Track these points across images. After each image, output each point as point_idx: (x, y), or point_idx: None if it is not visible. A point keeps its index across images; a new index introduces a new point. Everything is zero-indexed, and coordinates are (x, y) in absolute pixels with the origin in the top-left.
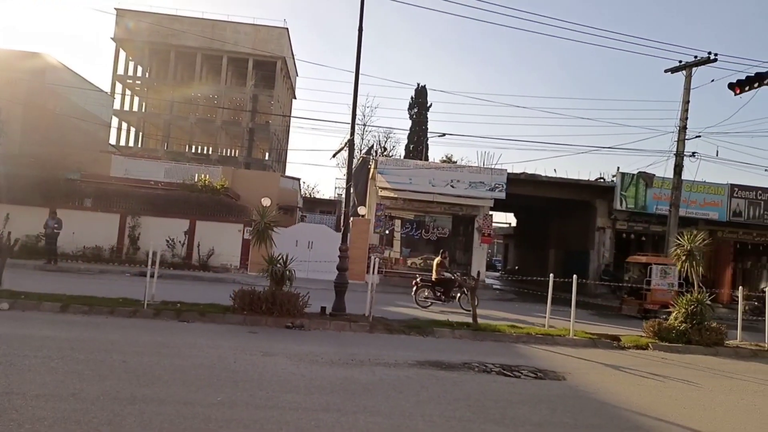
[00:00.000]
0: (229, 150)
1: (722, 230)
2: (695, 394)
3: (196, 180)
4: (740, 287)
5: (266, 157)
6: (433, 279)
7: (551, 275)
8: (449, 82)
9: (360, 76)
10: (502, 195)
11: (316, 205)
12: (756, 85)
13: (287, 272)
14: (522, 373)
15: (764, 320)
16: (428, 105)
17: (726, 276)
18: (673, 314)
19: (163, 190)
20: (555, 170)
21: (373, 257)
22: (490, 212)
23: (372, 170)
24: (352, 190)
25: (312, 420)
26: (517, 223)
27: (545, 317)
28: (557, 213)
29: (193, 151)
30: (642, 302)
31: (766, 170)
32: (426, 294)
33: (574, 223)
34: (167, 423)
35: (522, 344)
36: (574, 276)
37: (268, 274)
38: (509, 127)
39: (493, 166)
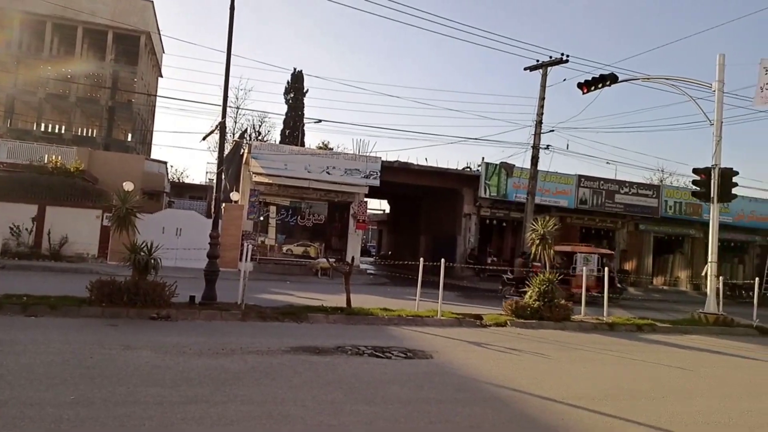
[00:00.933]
0: (85, 130)
1: (571, 216)
2: (545, 365)
3: (46, 161)
4: (584, 268)
5: (129, 139)
6: None
7: (421, 259)
8: (326, 68)
9: (232, 56)
10: (377, 182)
11: (185, 191)
12: (600, 85)
13: (152, 261)
14: (393, 354)
15: (602, 296)
16: (305, 90)
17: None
18: (528, 293)
19: (6, 172)
20: (426, 159)
21: (246, 244)
22: (365, 199)
23: (246, 155)
24: (223, 175)
25: (178, 413)
26: (391, 210)
27: (415, 300)
28: (428, 200)
29: (43, 129)
30: (569, 287)
31: (607, 162)
32: None
33: (443, 209)
34: (8, 427)
35: (393, 326)
36: (442, 260)
37: (130, 263)
38: (384, 115)
39: (368, 154)
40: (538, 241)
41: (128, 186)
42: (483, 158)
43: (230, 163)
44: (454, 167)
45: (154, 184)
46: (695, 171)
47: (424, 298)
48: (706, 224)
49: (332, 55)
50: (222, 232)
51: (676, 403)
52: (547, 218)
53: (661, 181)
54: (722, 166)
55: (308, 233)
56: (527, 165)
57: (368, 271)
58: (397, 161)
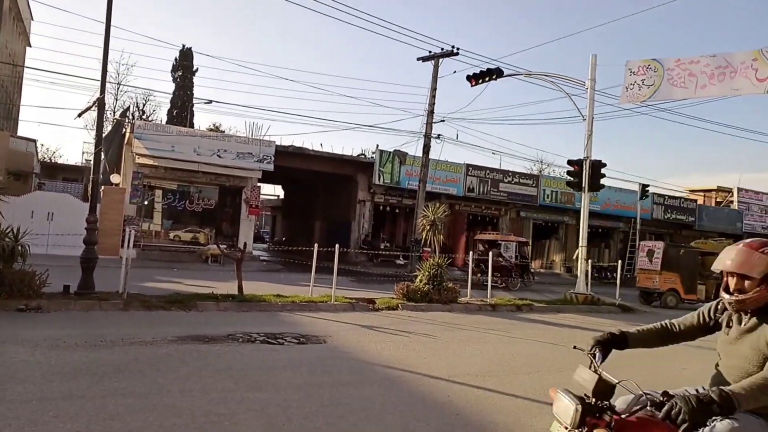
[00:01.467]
0: None
1: (459, 204)
2: (434, 345)
3: None
4: (471, 252)
5: None
6: None
7: (316, 245)
8: (219, 47)
9: (112, 27)
10: (270, 167)
11: (58, 172)
12: (487, 78)
13: (19, 247)
14: (285, 340)
15: (487, 280)
16: (194, 69)
17: (461, 243)
18: (419, 277)
19: None
20: (321, 145)
21: (128, 230)
22: (259, 184)
23: (128, 135)
24: (102, 156)
25: (50, 411)
26: (285, 195)
27: (310, 286)
28: (323, 186)
29: None
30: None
31: (493, 153)
32: None
33: (338, 195)
34: None
35: (287, 312)
36: (336, 246)
37: None
38: (279, 99)
39: (261, 138)
40: (428, 227)
41: None
42: (377, 146)
43: (110, 143)
44: (349, 154)
45: (21, 164)
46: (569, 162)
47: (318, 283)
48: (578, 212)
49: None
50: (101, 217)
51: (550, 376)
52: (438, 205)
53: (540, 171)
54: (593, 158)
55: (197, 219)
56: (420, 153)
57: (262, 258)
58: (291, 146)
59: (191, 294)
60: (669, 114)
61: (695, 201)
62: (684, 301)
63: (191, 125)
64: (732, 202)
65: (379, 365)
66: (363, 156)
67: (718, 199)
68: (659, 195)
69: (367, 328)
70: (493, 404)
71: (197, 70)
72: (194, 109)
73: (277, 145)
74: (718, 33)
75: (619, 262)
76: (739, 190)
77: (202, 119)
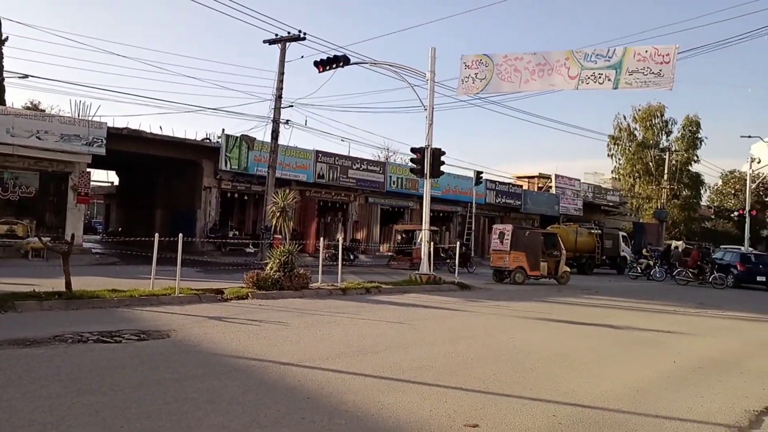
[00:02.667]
0: None
1: (310, 190)
2: (285, 332)
3: None
4: (322, 238)
5: None
6: None
7: (156, 235)
8: (34, 15)
9: None
10: (102, 150)
11: None
12: (334, 65)
13: None
14: (124, 338)
15: (338, 265)
16: (3, 38)
17: (312, 229)
18: (269, 265)
19: None
20: (161, 128)
21: None
22: (88, 169)
23: None
24: None
25: None
26: (120, 182)
27: (150, 278)
28: (164, 172)
29: None
30: (411, 258)
31: (342, 140)
32: None
33: (181, 182)
34: None
35: (125, 308)
36: (180, 235)
37: None
38: (110, 77)
39: (90, 118)
40: (278, 214)
41: None
42: (223, 130)
43: None
44: (193, 138)
45: None
46: (412, 150)
47: (161, 276)
48: (421, 197)
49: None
50: None
51: (396, 354)
52: (288, 191)
53: (387, 158)
54: (434, 146)
55: (14, 208)
56: (268, 138)
57: (94, 251)
58: (126, 128)
59: (8, 293)
60: (499, 107)
61: (521, 186)
62: (530, 278)
63: (2, 102)
64: (551, 187)
65: (228, 356)
66: (208, 140)
67: (539, 185)
68: (491, 181)
69: (216, 319)
70: (343, 385)
71: (7, 38)
72: (5, 83)
73: (109, 127)
74: (544, 31)
75: (458, 243)
76: (557, 176)
77: (16, 95)
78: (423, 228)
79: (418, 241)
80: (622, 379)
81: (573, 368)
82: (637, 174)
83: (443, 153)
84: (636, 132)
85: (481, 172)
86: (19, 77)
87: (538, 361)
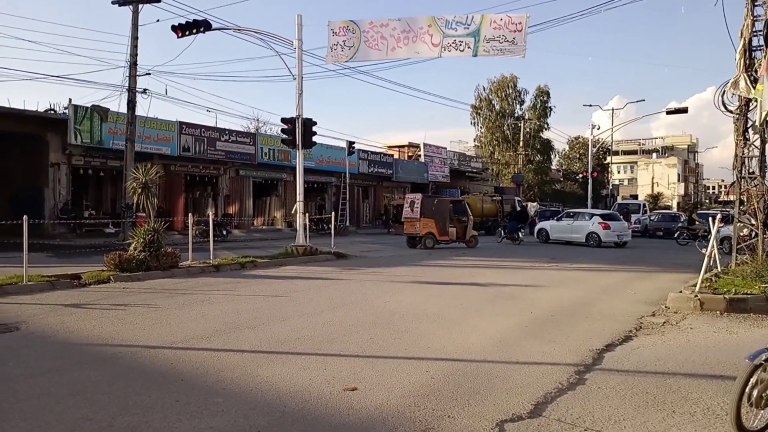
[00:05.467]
0: None
1: (174, 164)
2: (154, 315)
3: None
4: (191, 215)
5: None
6: None
7: None
8: None
9: None
10: None
11: None
12: (195, 30)
13: None
14: None
15: (209, 241)
16: None
17: (180, 205)
18: (133, 245)
19: None
20: None
21: None
22: None
23: None
24: None
25: None
26: None
27: None
28: (1, 148)
29: None
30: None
31: (208, 111)
32: None
33: (22, 158)
34: None
35: None
36: (25, 217)
37: None
38: None
39: None
40: (140, 191)
41: None
42: (70, 100)
43: None
44: (34, 109)
45: None
46: (283, 120)
47: (4, 263)
48: (294, 169)
49: None
50: None
51: (275, 327)
52: (150, 166)
53: (257, 129)
54: (305, 116)
55: None
56: (123, 109)
57: None
58: None
59: None
60: (368, 76)
61: (392, 156)
62: (440, 242)
63: None
64: (420, 156)
65: (91, 345)
66: (53, 112)
67: (409, 154)
68: (363, 151)
69: (73, 306)
70: (220, 363)
71: None
72: None
73: None
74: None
75: (333, 214)
76: (425, 145)
77: None
78: (298, 200)
79: (293, 212)
80: (487, 332)
81: (444, 326)
82: (496, 142)
83: (315, 123)
84: (494, 102)
85: (353, 143)
86: None
87: (412, 323)
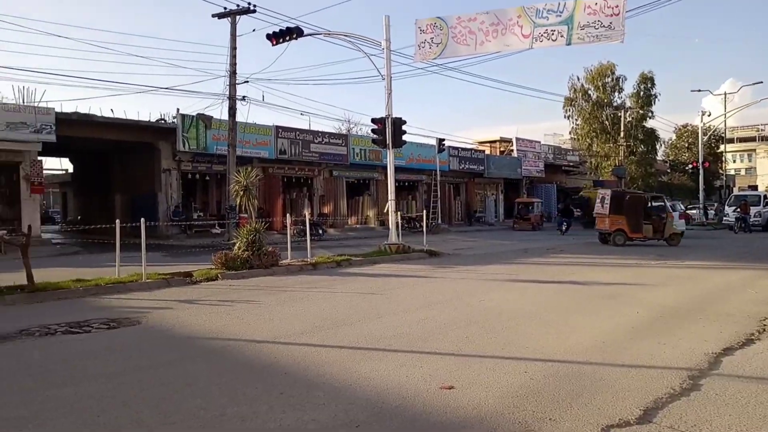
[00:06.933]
0: None
1: (272, 166)
2: (258, 311)
3: None
4: (288, 215)
5: None
6: None
7: (117, 221)
8: None
9: None
10: (52, 137)
11: None
12: (288, 38)
13: None
14: (93, 327)
15: (306, 240)
16: None
17: (278, 206)
18: (237, 244)
19: None
20: (112, 110)
21: None
22: (40, 158)
23: None
24: None
25: None
26: (76, 169)
27: (116, 266)
28: (120, 156)
29: None
30: (531, 222)
31: (302, 114)
32: None
33: (138, 165)
34: None
35: (92, 297)
36: (142, 220)
37: None
38: (51, 59)
39: (36, 104)
40: (242, 193)
41: None
42: (178, 109)
43: None
44: (147, 119)
45: None
46: (373, 121)
47: (126, 262)
48: (386, 168)
49: None
50: None
51: (371, 324)
52: (249, 169)
53: (349, 130)
54: (394, 116)
55: None
56: (225, 116)
57: (54, 241)
58: (75, 113)
59: None
60: (457, 72)
61: (483, 152)
62: (631, 239)
63: None
64: (512, 150)
65: (202, 338)
66: (163, 121)
67: (501, 149)
68: (454, 148)
69: (186, 302)
70: (320, 358)
71: None
72: None
73: (57, 113)
74: None
75: (424, 211)
76: (517, 139)
77: None
78: (389, 199)
79: (385, 210)
80: (588, 333)
81: (542, 326)
82: (594, 133)
83: (404, 122)
84: (590, 92)
85: (443, 140)
86: None
87: (508, 321)
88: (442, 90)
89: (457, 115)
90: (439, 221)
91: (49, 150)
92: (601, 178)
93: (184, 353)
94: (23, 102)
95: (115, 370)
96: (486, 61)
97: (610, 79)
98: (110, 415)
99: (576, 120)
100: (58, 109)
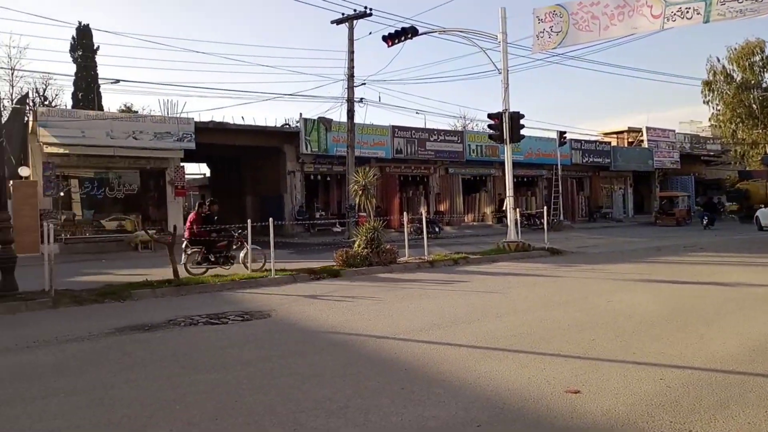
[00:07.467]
0: None
1: (389, 166)
2: (378, 307)
3: None
4: (405, 213)
5: None
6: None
7: (249, 221)
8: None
9: None
10: (192, 145)
11: None
12: (403, 38)
13: None
14: (229, 319)
15: (423, 238)
16: (95, 47)
17: (395, 204)
18: (357, 242)
19: None
20: (243, 118)
21: (46, 224)
22: (182, 164)
23: (32, 123)
24: (4, 145)
25: None
26: (212, 173)
27: (248, 263)
28: (250, 160)
29: None
30: (675, 217)
31: (417, 113)
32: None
33: (266, 168)
34: None
35: (228, 291)
36: (270, 219)
37: None
38: (192, 73)
39: (178, 115)
40: (361, 192)
41: None
42: (300, 114)
43: (10, 133)
44: (273, 124)
45: None
46: (489, 116)
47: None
48: (503, 163)
49: (122, 9)
50: (13, 214)
51: (490, 323)
52: (367, 169)
53: (464, 127)
54: (511, 110)
55: (121, 205)
56: (344, 119)
57: None
58: (212, 121)
59: (124, 284)
60: (577, 61)
61: (609, 143)
62: None
63: (100, 108)
64: (642, 141)
65: (326, 332)
66: (287, 126)
67: (629, 140)
68: (576, 140)
69: (311, 297)
70: (439, 355)
71: (98, 48)
72: (101, 90)
73: (196, 122)
74: None
75: (545, 208)
76: (648, 129)
77: (111, 100)
78: (507, 195)
79: (503, 207)
80: (735, 339)
81: (679, 330)
82: (738, 119)
83: (522, 116)
84: (734, 74)
85: (565, 132)
86: (112, 83)
87: (640, 324)
88: (563, 81)
89: (579, 106)
90: (561, 218)
91: (190, 156)
92: (747, 168)
93: (310, 345)
94: (167, 113)
95: (250, 359)
96: (609, 48)
97: (759, 58)
98: (246, 400)
99: (717, 105)
100: (196, 119)
